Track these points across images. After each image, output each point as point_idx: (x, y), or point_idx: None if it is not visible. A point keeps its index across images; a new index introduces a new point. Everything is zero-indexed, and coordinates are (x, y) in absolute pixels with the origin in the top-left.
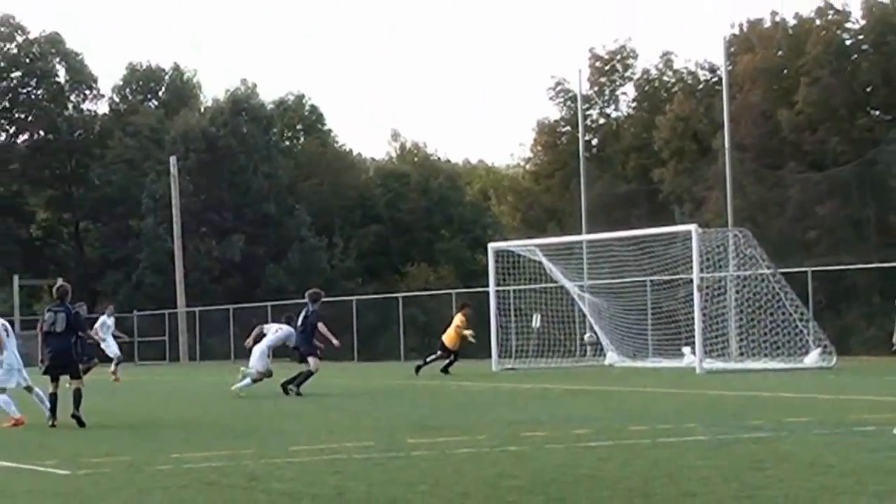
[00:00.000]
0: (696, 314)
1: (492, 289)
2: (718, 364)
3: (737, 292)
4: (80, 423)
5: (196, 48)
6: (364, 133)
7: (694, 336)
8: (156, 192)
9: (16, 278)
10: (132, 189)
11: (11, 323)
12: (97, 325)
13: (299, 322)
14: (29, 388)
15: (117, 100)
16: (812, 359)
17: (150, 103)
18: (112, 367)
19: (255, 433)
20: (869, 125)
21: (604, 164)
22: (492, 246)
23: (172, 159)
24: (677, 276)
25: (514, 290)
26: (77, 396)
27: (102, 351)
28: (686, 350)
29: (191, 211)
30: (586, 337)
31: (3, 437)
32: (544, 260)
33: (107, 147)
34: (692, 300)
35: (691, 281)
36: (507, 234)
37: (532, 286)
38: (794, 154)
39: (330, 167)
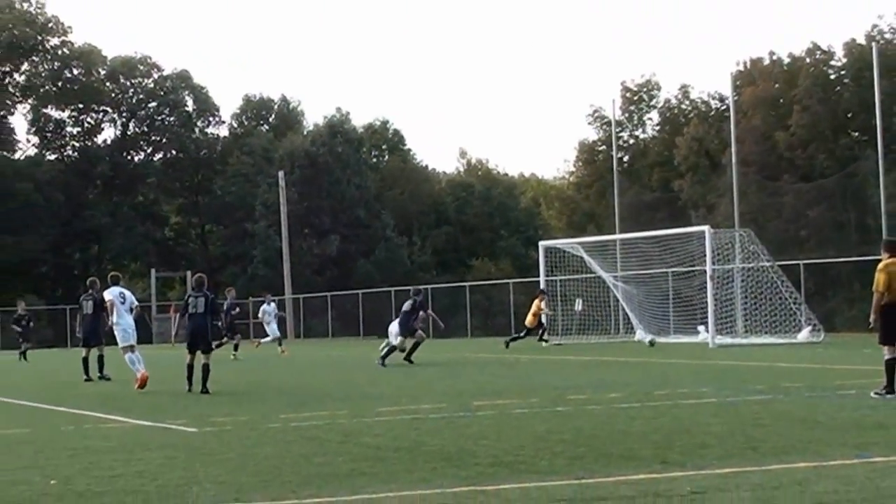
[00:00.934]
0: (709, 299)
1: (542, 279)
2: (727, 340)
3: (742, 281)
4: (206, 392)
5: (298, 81)
6: (437, 151)
7: (707, 317)
8: (267, 200)
9: (153, 272)
10: (247, 198)
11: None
12: (260, 312)
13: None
14: (129, 346)
15: (235, 125)
16: (804, 335)
17: (262, 127)
18: (280, 347)
19: (348, 398)
20: (850, 144)
21: (633, 176)
22: (542, 244)
23: (280, 174)
24: (693, 268)
25: (560, 280)
26: (206, 371)
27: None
28: (701, 328)
29: (295, 215)
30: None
31: (140, 400)
32: (585, 255)
33: (227, 164)
34: (706, 288)
35: (705, 272)
36: (554, 234)
37: (575, 277)
38: (788, 168)
39: (409, 179)
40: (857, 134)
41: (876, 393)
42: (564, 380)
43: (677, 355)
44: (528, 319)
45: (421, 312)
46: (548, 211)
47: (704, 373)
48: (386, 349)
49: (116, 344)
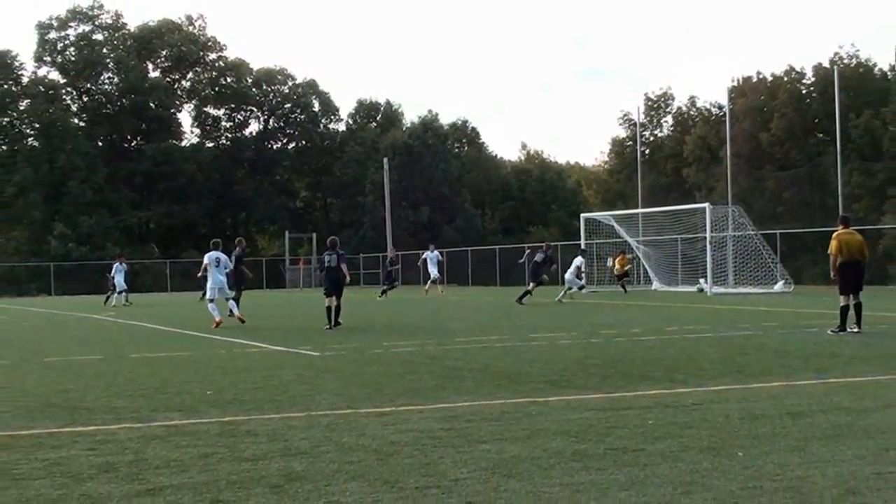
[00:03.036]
0: (708, 258)
1: (583, 242)
2: (721, 289)
3: (733, 245)
4: (339, 325)
5: (400, 88)
6: (504, 144)
7: (706, 272)
8: (374, 180)
9: (286, 233)
10: (359, 178)
11: (284, 261)
12: (423, 258)
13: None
14: (226, 299)
15: (351, 122)
16: (778, 287)
17: (371, 124)
18: (439, 288)
19: (434, 331)
20: (816, 143)
21: (652, 165)
22: (583, 216)
23: (385, 160)
24: (696, 235)
25: (597, 244)
26: (338, 310)
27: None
28: (702, 281)
29: (395, 192)
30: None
31: (276, 332)
32: (615, 224)
33: (344, 152)
34: (706, 250)
35: (705, 238)
36: (591, 208)
37: (607, 241)
38: (769, 160)
39: (482, 165)
40: (821, 135)
41: (831, 331)
42: (598, 318)
43: (683, 301)
44: (618, 270)
45: (553, 266)
46: (587, 190)
47: (704, 314)
48: (575, 288)
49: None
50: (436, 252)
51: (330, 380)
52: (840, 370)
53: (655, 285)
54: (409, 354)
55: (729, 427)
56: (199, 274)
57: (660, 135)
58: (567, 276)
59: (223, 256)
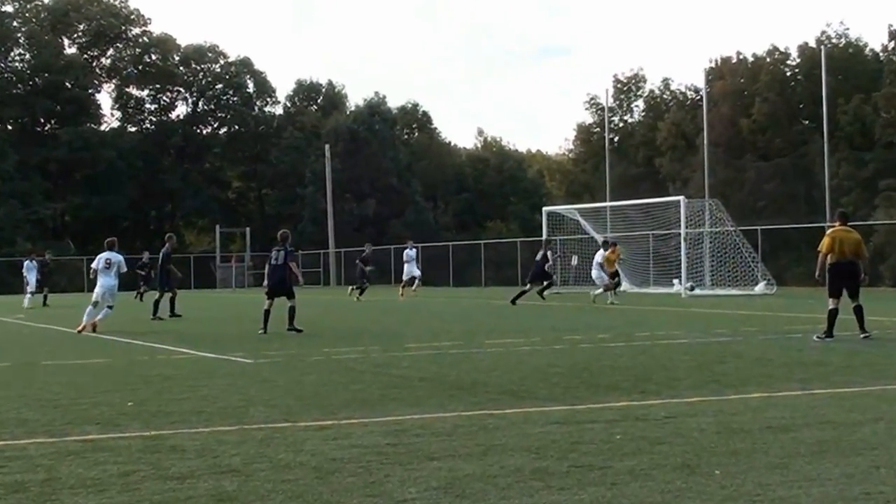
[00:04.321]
0: (683, 257)
1: (544, 239)
2: (697, 291)
3: (710, 242)
4: (297, 331)
5: (343, 68)
6: (459, 130)
7: (681, 272)
8: (315, 169)
9: (217, 227)
10: (298, 167)
11: (214, 258)
12: (404, 256)
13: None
14: (95, 304)
15: (289, 105)
16: (760, 288)
17: (312, 107)
18: (413, 286)
19: (381, 336)
20: (801, 130)
21: (622, 154)
22: (545, 209)
23: (326, 147)
24: (670, 231)
25: (560, 240)
26: (292, 313)
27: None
28: (675, 282)
29: (338, 182)
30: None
31: (205, 336)
32: (580, 219)
33: (281, 137)
34: (680, 248)
35: (679, 234)
36: (555, 201)
37: (572, 237)
38: (750, 149)
39: (434, 153)
40: (807, 122)
41: (817, 337)
42: (562, 323)
43: (655, 303)
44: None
45: (549, 262)
46: (550, 181)
47: (677, 318)
48: (602, 290)
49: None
50: (413, 249)
51: (265, 390)
52: (826, 380)
53: (625, 286)
54: (353, 362)
55: (704, 442)
56: (91, 276)
57: (630, 120)
58: (594, 273)
59: (117, 257)
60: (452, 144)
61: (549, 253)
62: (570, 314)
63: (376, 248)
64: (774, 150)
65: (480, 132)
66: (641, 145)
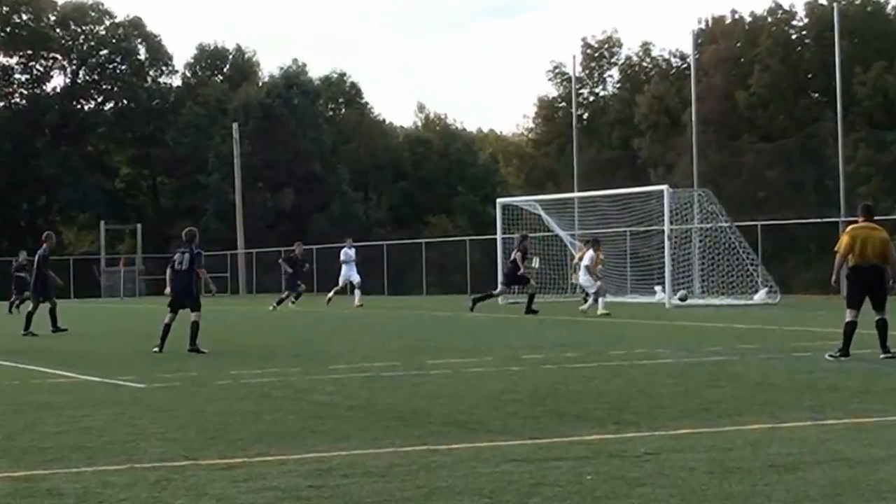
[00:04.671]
0: (667, 259)
1: (499, 237)
2: (690, 300)
3: (700, 241)
4: (200, 352)
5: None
6: (395, 105)
7: (664, 277)
8: (220, 152)
9: (102, 224)
10: (201, 150)
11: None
12: (342, 255)
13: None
14: None
15: (189, 75)
16: (760, 296)
17: (216, 78)
18: (357, 298)
19: (301, 355)
20: (809, 105)
21: (592, 134)
22: (499, 201)
23: (235, 125)
24: (651, 228)
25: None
26: (195, 329)
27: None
28: (658, 288)
29: (249, 168)
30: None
31: (89, 356)
32: (542, 213)
33: (179, 114)
34: (663, 248)
35: (663, 232)
36: (511, 191)
37: (532, 235)
38: (748, 128)
39: (366, 133)
40: (816, 95)
41: (830, 355)
42: (520, 339)
43: (634, 315)
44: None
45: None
46: (506, 168)
47: (661, 333)
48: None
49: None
50: (353, 248)
51: (160, 421)
52: (841, 408)
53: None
54: (268, 386)
55: (694, 484)
56: None
57: (603, 94)
58: (581, 279)
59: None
60: (387, 123)
61: (519, 254)
62: (530, 328)
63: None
64: (777, 129)
65: (421, 108)
66: (616, 124)
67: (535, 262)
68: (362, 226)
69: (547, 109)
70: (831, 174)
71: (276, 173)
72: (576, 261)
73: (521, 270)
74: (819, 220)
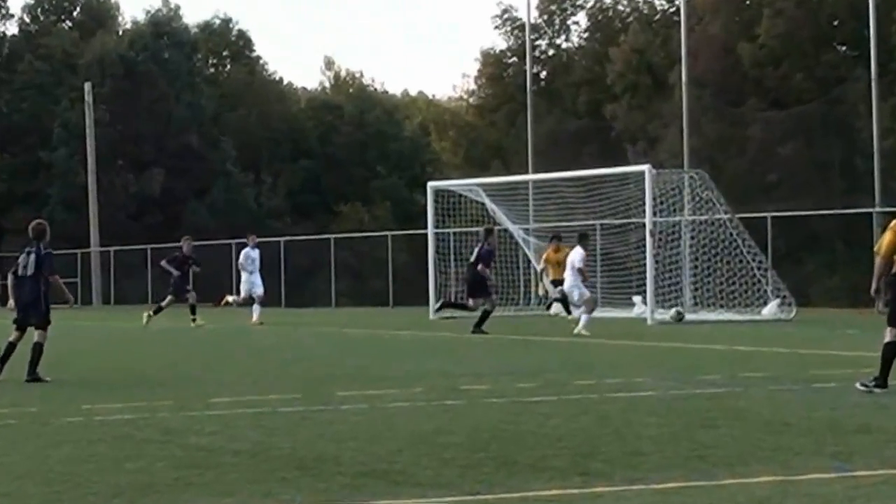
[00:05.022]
0: (649, 261)
1: (430, 231)
2: (671, 314)
3: (692, 238)
4: (40, 381)
5: None
6: (295, 61)
7: (645, 284)
8: (69, 121)
9: None
10: (43, 117)
11: None
12: (241, 258)
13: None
14: None
15: (27, 20)
16: (770, 310)
17: (64, 24)
18: (256, 315)
19: (172, 383)
20: (835, 61)
21: (553, 98)
22: (431, 185)
23: (87, 86)
24: (629, 220)
25: (455, 233)
26: (37, 353)
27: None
28: (637, 300)
29: (107, 142)
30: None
31: None
32: (487, 201)
33: (15, 72)
34: (644, 246)
35: (643, 225)
36: (447, 173)
37: (474, 228)
38: (755, 91)
39: (258, 97)
40: (844, 48)
41: (863, 384)
42: (457, 364)
43: (606, 334)
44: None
45: (479, 265)
46: (440, 142)
47: (641, 358)
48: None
49: None
50: (257, 250)
51: None
52: (874, 456)
53: (557, 307)
54: (130, 425)
55: None
56: None
57: (566, 46)
58: (568, 285)
59: None
60: (286, 84)
61: (486, 252)
62: (472, 351)
63: (165, 245)
64: (793, 92)
65: (329, 64)
66: (584, 85)
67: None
68: (253, 216)
69: (493, 66)
70: (863, 151)
71: (140, 148)
72: (541, 265)
73: (489, 278)
74: (847, 212)
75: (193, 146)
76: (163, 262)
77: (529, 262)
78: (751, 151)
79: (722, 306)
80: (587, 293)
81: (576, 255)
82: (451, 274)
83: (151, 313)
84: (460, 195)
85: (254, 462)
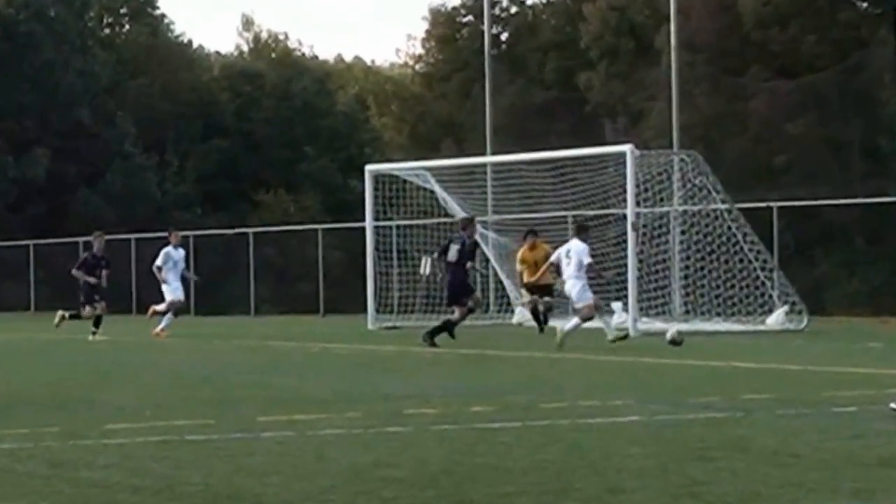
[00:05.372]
0: (630, 260)
1: (368, 224)
2: (658, 324)
3: (682, 233)
4: None
5: None
6: (207, 20)
7: (627, 288)
8: None
9: None
10: None
11: None
12: (161, 258)
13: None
14: None
15: None
16: (776, 319)
17: None
18: (163, 324)
19: (62, 406)
20: (854, 21)
21: (516, 65)
22: (370, 169)
23: None
24: (607, 211)
25: (398, 227)
26: None
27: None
28: (616, 306)
29: None
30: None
31: None
32: (437, 188)
33: None
34: (625, 242)
35: (625, 217)
36: (389, 154)
37: (421, 221)
38: (758, 56)
39: (163, 63)
40: (864, 5)
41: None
42: (401, 384)
43: (580, 347)
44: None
45: (469, 263)
46: (380, 118)
47: (621, 376)
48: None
49: None
50: (182, 249)
51: None
52: None
53: (521, 315)
54: (10, 456)
55: None
56: None
57: (532, 1)
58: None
59: None
60: (196, 47)
61: (467, 246)
62: (418, 368)
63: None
64: (803, 59)
65: (247, 25)
66: (553, 49)
67: (426, 266)
68: (156, 206)
69: (444, 27)
70: (888, 129)
71: (21, 125)
72: (518, 267)
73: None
74: (868, 201)
75: (85, 122)
76: (73, 271)
77: (488, 261)
78: (753, 129)
79: (719, 314)
80: (590, 297)
81: (580, 250)
82: (394, 275)
83: (65, 315)
84: (405, 181)
85: (157, 500)
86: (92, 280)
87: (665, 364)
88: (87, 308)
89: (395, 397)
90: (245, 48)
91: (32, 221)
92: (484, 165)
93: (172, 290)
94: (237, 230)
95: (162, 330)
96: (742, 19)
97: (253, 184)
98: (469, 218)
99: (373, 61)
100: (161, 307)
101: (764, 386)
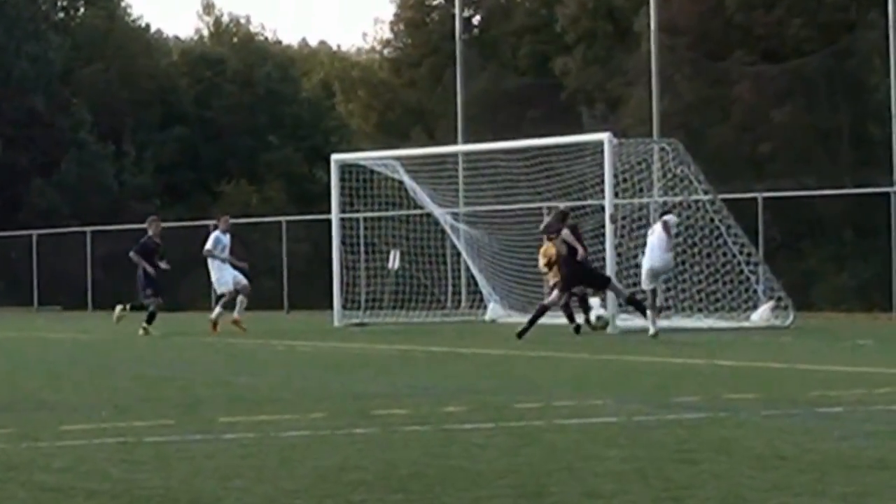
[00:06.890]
0: (609, 253)
1: (335, 216)
2: (637, 321)
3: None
4: None
5: None
6: (166, 4)
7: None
8: None
9: None
10: None
11: None
12: (210, 243)
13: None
14: None
15: None
16: (762, 315)
17: None
18: (237, 308)
19: (14, 406)
20: (842, 3)
21: (488, 49)
22: (336, 158)
23: None
24: (584, 203)
25: (365, 219)
26: None
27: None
28: (595, 302)
29: None
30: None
31: None
32: (406, 178)
33: None
34: (603, 234)
35: (602, 209)
36: (356, 143)
37: (390, 213)
38: (742, 40)
39: (120, 49)
40: None
41: None
42: (368, 383)
43: (556, 345)
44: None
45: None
46: (347, 105)
47: (599, 375)
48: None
49: None
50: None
51: None
52: (893, 496)
53: (495, 311)
54: None
55: None
56: None
57: None
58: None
59: None
60: (154, 31)
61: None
62: (386, 366)
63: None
64: (789, 42)
65: (208, 8)
66: (527, 34)
67: (394, 261)
68: (113, 197)
69: (413, 10)
70: (878, 116)
71: None
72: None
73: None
74: (858, 191)
75: (38, 110)
76: (132, 253)
77: (459, 254)
78: (737, 116)
79: (701, 310)
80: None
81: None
82: (361, 270)
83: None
84: (372, 171)
85: None
86: (154, 268)
87: (645, 362)
88: (153, 299)
89: (363, 397)
90: (205, 32)
91: None
92: (455, 155)
93: (233, 276)
94: (197, 223)
95: (238, 316)
96: (725, 1)
97: (214, 174)
98: (565, 211)
99: (339, 46)
100: (224, 301)
101: (748, 385)
